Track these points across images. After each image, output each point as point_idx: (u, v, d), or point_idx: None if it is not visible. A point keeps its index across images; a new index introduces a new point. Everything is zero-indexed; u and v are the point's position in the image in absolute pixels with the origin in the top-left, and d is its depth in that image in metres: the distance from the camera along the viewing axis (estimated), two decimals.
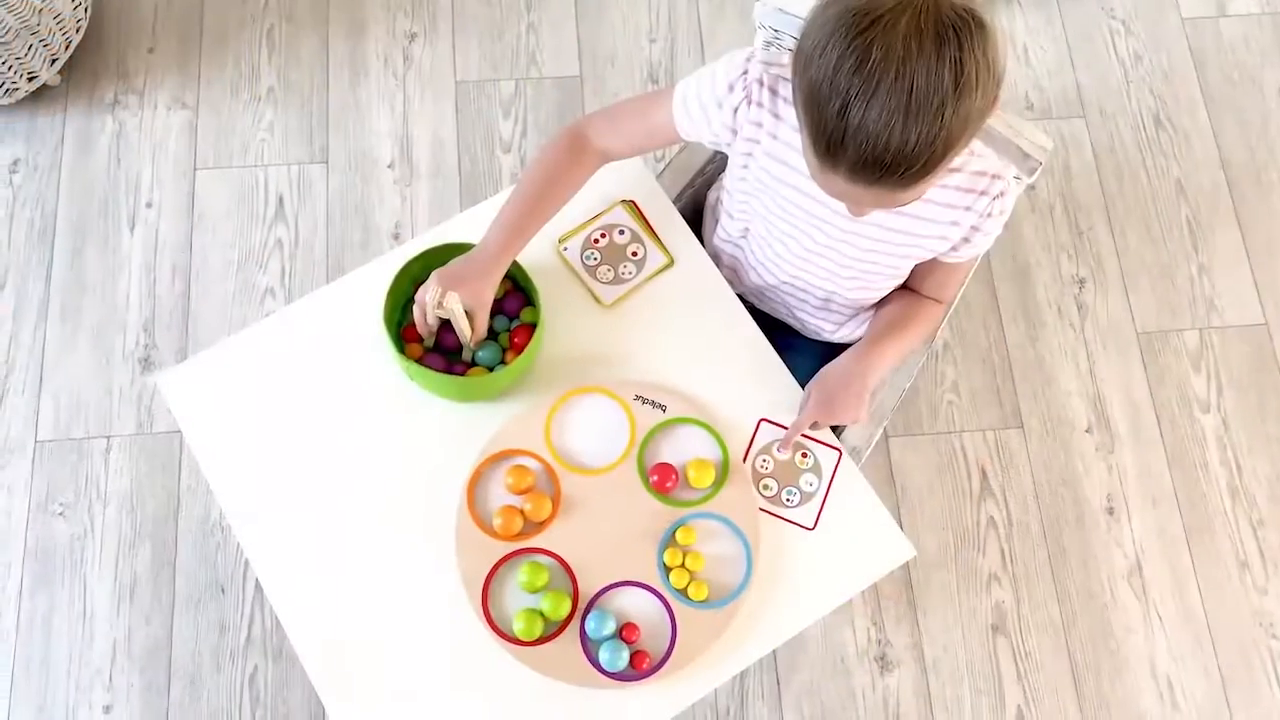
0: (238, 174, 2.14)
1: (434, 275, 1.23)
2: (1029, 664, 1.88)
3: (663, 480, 1.30)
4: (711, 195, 1.55)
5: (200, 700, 1.82)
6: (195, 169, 2.14)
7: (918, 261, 1.32)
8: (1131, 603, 1.92)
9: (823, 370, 1.35)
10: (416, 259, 1.34)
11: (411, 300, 1.39)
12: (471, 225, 1.43)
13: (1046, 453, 2.00)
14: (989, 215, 1.22)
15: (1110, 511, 1.97)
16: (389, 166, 2.15)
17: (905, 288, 1.40)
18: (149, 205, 2.11)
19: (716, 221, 1.49)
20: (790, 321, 1.54)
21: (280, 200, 2.11)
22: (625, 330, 1.40)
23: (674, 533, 1.29)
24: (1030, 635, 1.90)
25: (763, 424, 1.36)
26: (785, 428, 1.36)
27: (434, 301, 1.22)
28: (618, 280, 1.41)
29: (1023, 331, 2.08)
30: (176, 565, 1.88)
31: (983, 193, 1.20)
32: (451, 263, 1.25)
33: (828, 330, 1.51)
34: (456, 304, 1.22)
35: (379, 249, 2.06)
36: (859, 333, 1.52)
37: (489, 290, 1.24)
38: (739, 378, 1.39)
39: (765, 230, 1.37)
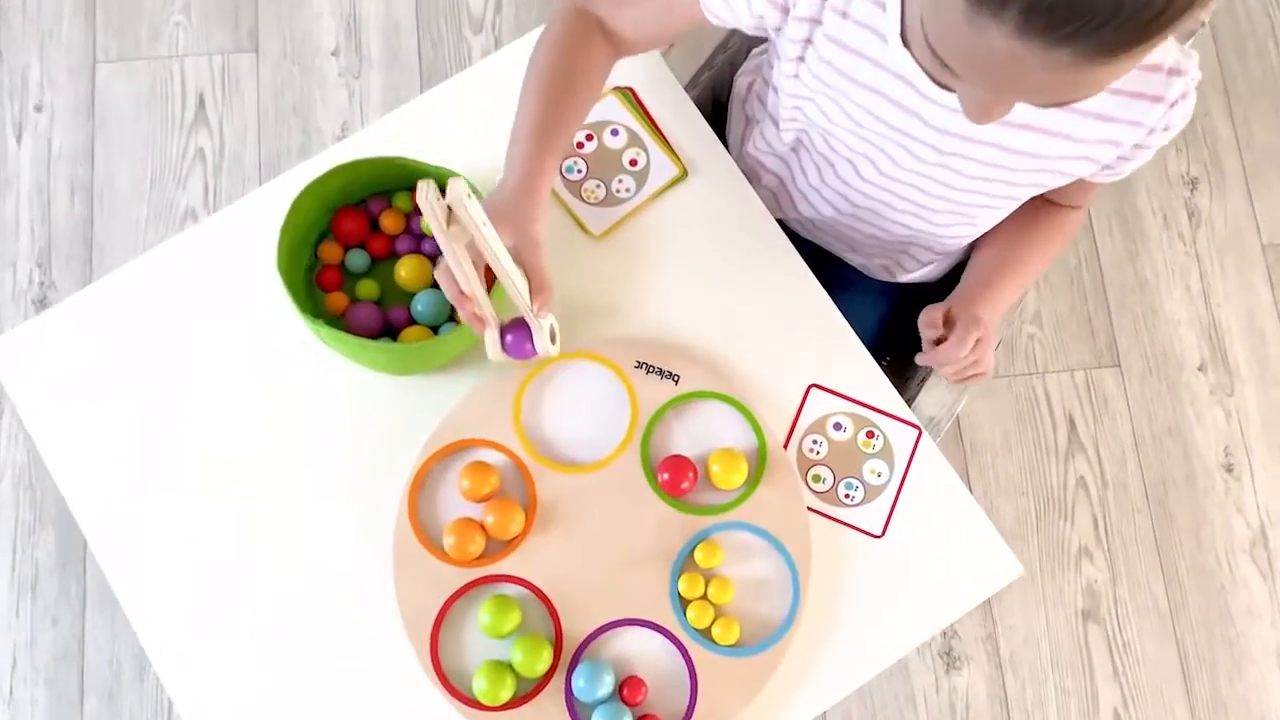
0: (147, 68, 1.78)
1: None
2: (1128, 657, 1.62)
3: (676, 479, 0.94)
4: (740, 83, 1.15)
5: (120, 717, 1.51)
6: (94, 63, 1.78)
7: (1049, 189, 0.94)
8: (1255, 581, 1.66)
9: (955, 303, 1.01)
10: (337, 172, 0.96)
11: (326, 235, 1.02)
12: (434, 113, 1.05)
13: (1149, 397, 1.72)
14: (1165, 129, 0.85)
15: (1229, 469, 1.69)
16: (333, 54, 1.78)
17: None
18: (38, 109, 1.76)
19: (752, 124, 1.10)
20: (849, 258, 1.16)
21: (201, 100, 1.79)
22: (622, 271, 1.03)
23: (692, 551, 0.94)
24: (1129, 622, 1.63)
25: (813, 392, 1.00)
26: (846, 397, 0.99)
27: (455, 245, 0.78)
28: (611, 200, 1.03)
29: (1120, 246, 1.77)
30: (88, 556, 1.56)
31: (1156, 98, 0.83)
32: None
33: (902, 274, 1.13)
34: (495, 239, 0.79)
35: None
36: (945, 268, 1.14)
37: (534, 221, 0.85)
38: (779, 333, 1.02)
39: (826, 147, 0.99)
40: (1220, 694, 1.60)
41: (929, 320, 0.97)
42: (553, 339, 0.88)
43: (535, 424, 0.98)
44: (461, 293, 0.83)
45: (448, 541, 0.93)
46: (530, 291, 0.85)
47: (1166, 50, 0.82)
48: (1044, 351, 1.73)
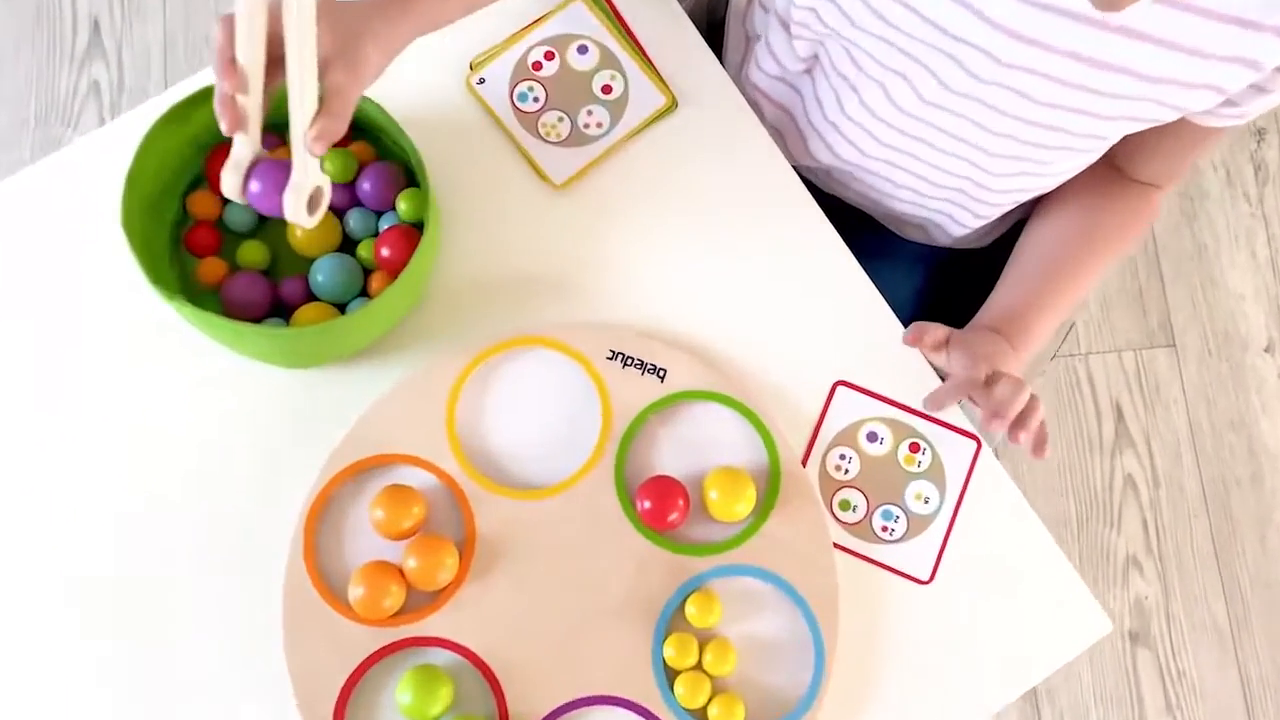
0: None
1: None
2: (1182, 686, 1.43)
3: (660, 508, 0.72)
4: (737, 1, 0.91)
5: None
6: None
7: (1147, 126, 0.71)
8: None
9: (960, 333, 0.77)
10: (199, 97, 0.72)
11: (200, 181, 0.77)
12: None
13: (1209, 382, 1.53)
14: None
15: None
16: None
17: (1096, 161, 0.78)
18: None
19: (753, 43, 0.85)
20: (880, 218, 0.92)
21: (95, 25, 1.51)
22: (591, 232, 0.79)
23: (682, 605, 0.72)
24: (1184, 646, 1.44)
25: (840, 390, 0.76)
26: (882, 398, 0.76)
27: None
28: (577, 139, 0.79)
29: (1174, 206, 1.57)
30: None
31: None
32: None
33: (944, 236, 0.89)
34: (309, 22, 0.59)
35: None
36: (1000, 230, 0.90)
37: (376, 39, 0.64)
38: (796, 314, 0.78)
39: (850, 64, 0.75)
40: None
41: (918, 335, 0.74)
42: (313, 205, 0.65)
43: (475, 433, 0.74)
44: (233, 60, 0.59)
45: (355, 593, 0.70)
46: (316, 115, 0.62)
47: None
48: (1087, 330, 1.54)
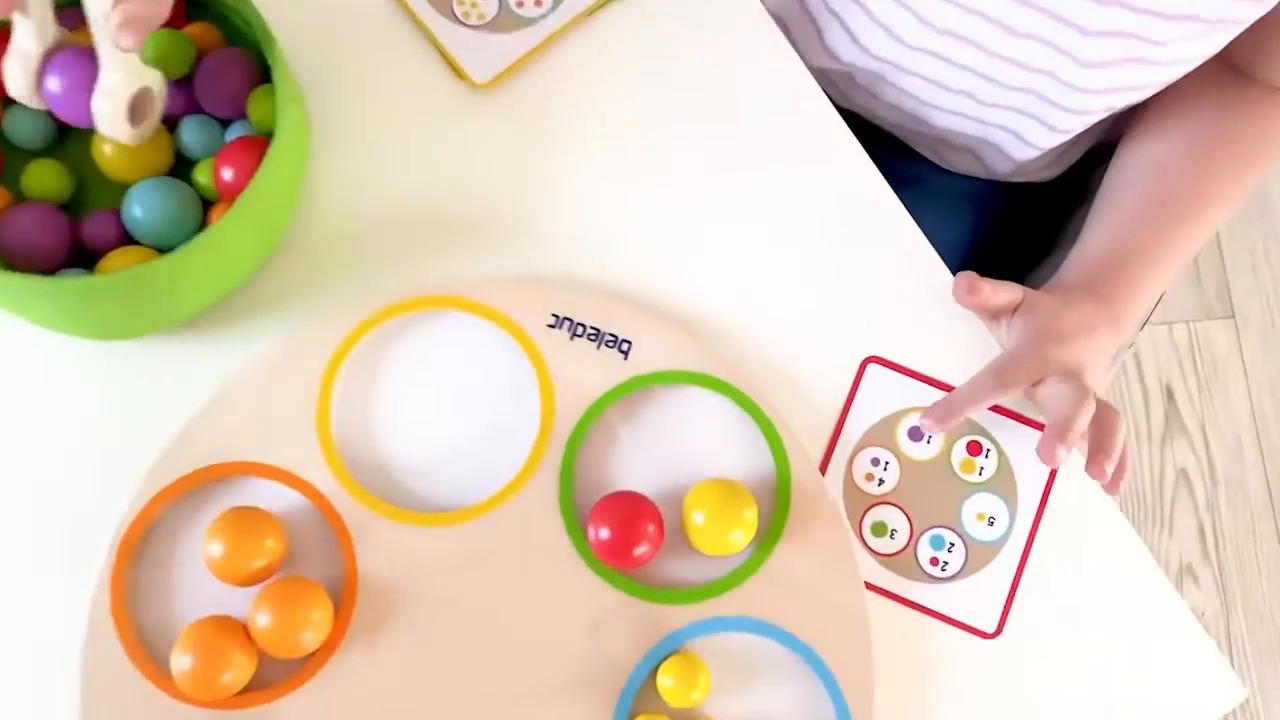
0: None
1: None
2: (1244, 718, 1.28)
3: (623, 538, 0.51)
4: None
5: None
6: None
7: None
8: None
9: (1034, 296, 0.57)
10: None
11: None
12: None
13: (1275, 359, 1.36)
14: None
15: None
16: None
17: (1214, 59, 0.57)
18: None
19: None
20: (916, 140, 0.71)
21: None
22: (526, 151, 0.58)
23: (653, 675, 0.51)
24: (1249, 671, 1.28)
25: (872, 369, 0.56)
26: (929, 380, 0.55)
27: None
28: (506, 22, 0.58)
29: None
30: None
31: None
32: None
33: (1003, 164, 0.68)
34: None
35: None
36: (1072, 158, 0.70)
37: None
38: (814, 265, 0.58)
39: None
40: None
41: (973, 287, 0.54)
42: (138, 112, 0.50)
43: (359, 434, 0.53)
44: None
45: (182, 662, 0.49)
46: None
47: None
48: None
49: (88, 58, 0.48)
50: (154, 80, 0.50)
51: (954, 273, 0.57)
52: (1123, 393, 1.33)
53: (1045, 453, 0.51)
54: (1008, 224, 0.73)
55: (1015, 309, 0.55)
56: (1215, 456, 1.32)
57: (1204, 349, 1.37)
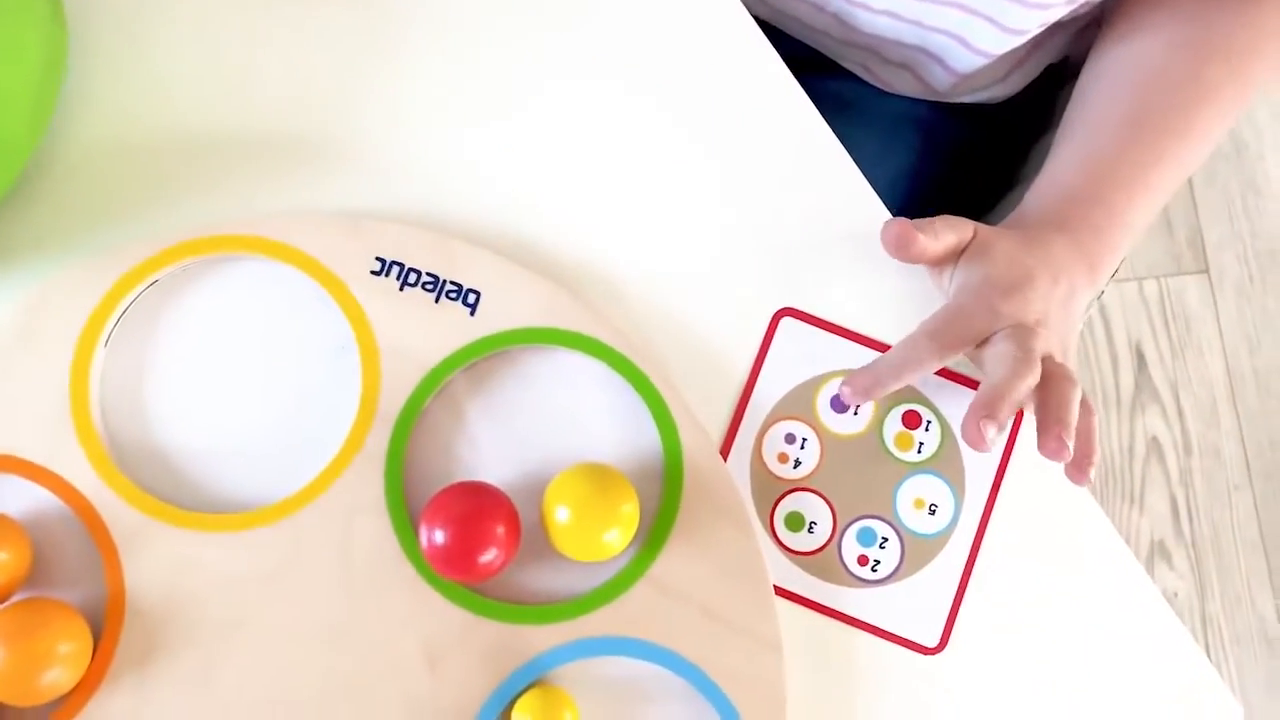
0: None
1: None
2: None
3: (466, 541, 0.40)
4: None
5: None
6: None
7: None
8: None
9: (988, 234, 0.46)
10: None
11: None
12: None
13: (1251, 317, 1.29)
14: None
15: None
16: None
17: None
18: None
19: None
20: (849, 55, 0.61)
21: None
22: (346, 45, 0.46)
23: (507, 712, 0.40)
24: (1224, 654, 1.22)
25: (786, 323, 0.45)
26: (857, 338, 0.45)
27: None
28: None
29: None
30: None
31: None
32: None
33: (944, 78, 0.57)
34: None
35: None
36: (1025, 78, 0.60)
37: None
38: (719, 195, 0.47)
39: None
40: None
41: (906, 237, 0.43)
42: None
43: (126, 415, 0.42)
44: None
45: None
46: None
47: None
48: None
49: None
50: None
51: (892, 213, 0.47)
52: (1088, 355, 1.25)
53: (968, 432, 0.40)
54: (959, 154, 0.63)
55: (963, 251, 0.45)
56: (1189, 423, 1.25)
57: (1176, 307, 1.30)
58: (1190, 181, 1.26)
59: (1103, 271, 0.49)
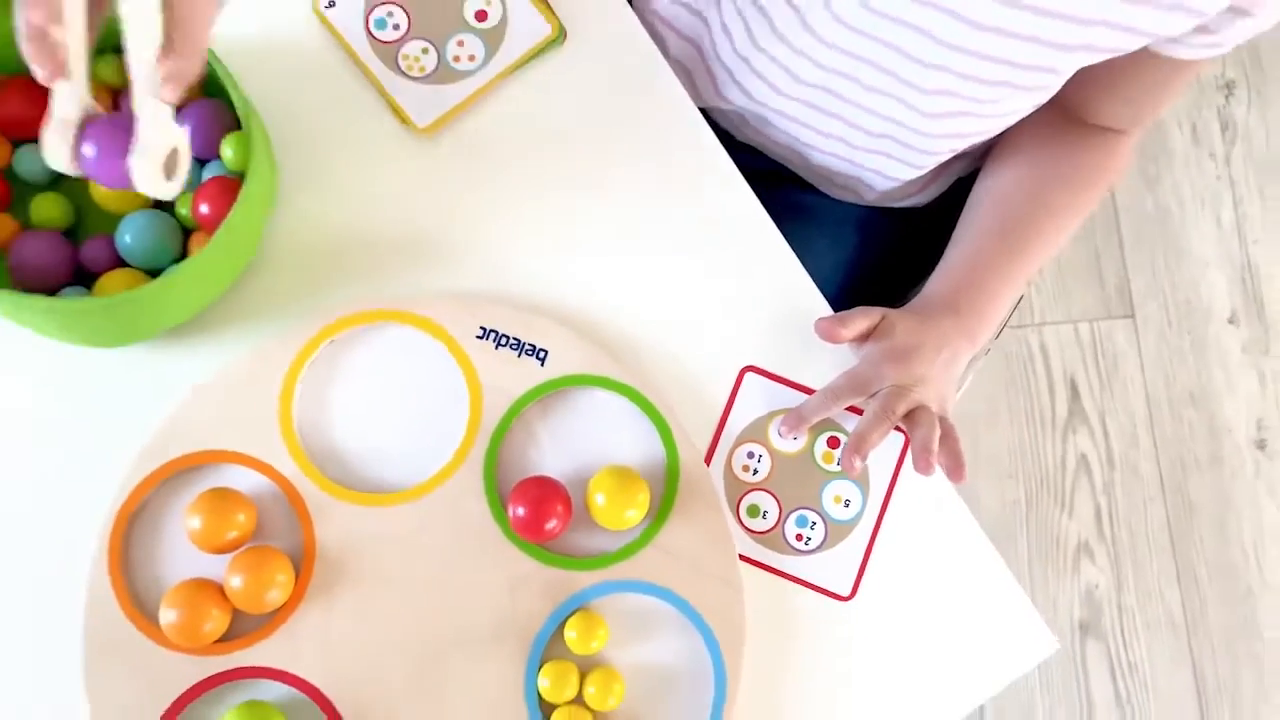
0: None
1: None
2: (1134, 681, 1.35)
3: (537, 515, 0.61)
4: None
5: None
6: None
7: (1107, 57, 0.60)
8: None
9: (894, 316, 0.66)
10: None
11: None
12: None
13: (1168, 356, 1.44)
14: None
15: (1261, 445, 1.42)
16: None
17: (1051, 103, 0.67)
18: None
19: None
20: (804, 173, 0.81)
21: None
22: (460, 186, 0.67)
23: (561, 628, 0.61)
24: (1136, 637, 1.37)
25: (749, 377, 0.65)
26: (797, 386, 0.65)
27: None
28: (445, 75, 0.67)
29: (1136, 167, 1.47)
30: None
31: None
32: None
33: (877, 189, 0.78)
34: None
35: None
36: (941, 188, 0.79)
37: None
38: (703, 285, 0.67)
39: None
40: None
41: (833, 328, 0.64)
42: (171, 170, 0.52)
43: (316, 427, 0.63)
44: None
45: (169, 616, 0.58)
46: (164, 49, 0.48)
47: None
48: (1041, 298, 1.44)
49: (116, 126, 0.51)
50: (181, 137, 0.53)
51: (836, 289, 0.67)
52: (1030, 385, 1.40)
53: (845, 462, 0.61)
54: (890, 246, 0.83)
55: (874, 330, 0.65)
56: (1113, 444, 1.40)
57: (1105, 346, 1.43)
58: (1121, 241, 1.43)
59: (980, 338, 0.69)
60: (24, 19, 0.46)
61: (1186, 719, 1.36)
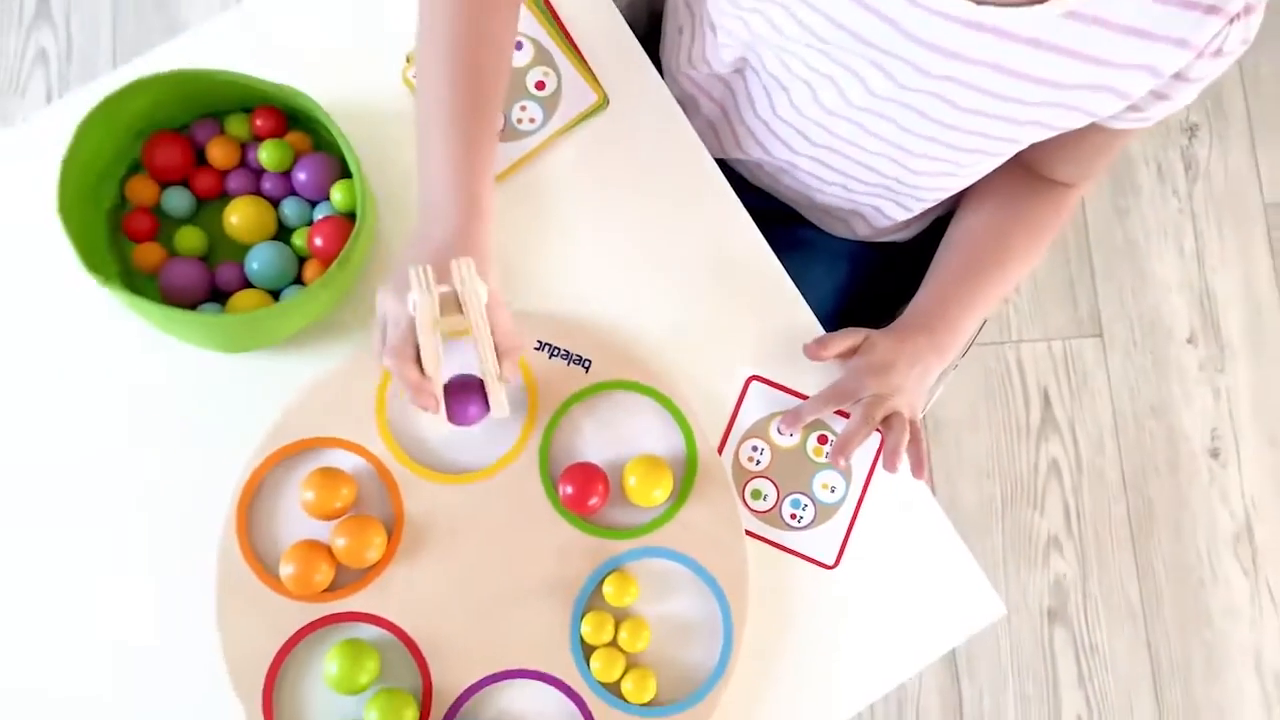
0: None
1: (386, 286, 0.70)
2: (1095, 661, 1.47)
3: (582, 493, 0.75)
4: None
5: None
6: None
7: (1057, 133, 0.74)
8: (1236, 578, 1.51)
9: (875, 336, 0.80)
10: (146, 85, 0.73)
11: (137, 167, 0.79)
12: (274, 16, 0.82)
13: (1133, 372, 1.55)
14: (1216, 53, 0.66)
15: (1215, 454, 1.53)
16: None
17: (1013, 160, 0.81)
18: None
19: (685, 35, 0.87)
20: (807, 212, 0.95)
21: None
22: (521, 224, 0.81)
23: (600, 585, 0.75)
24: (1099, 623, 1.48)
25: (754, 384, 0.80)
26: (793, 393, 0.79)
27: (424, 292, 0.66)
28: (510, 134, 0.82)
29: (1107, 201, 1.58)
30: None
31: (1211, 8, 0.64)
32: (403, 253, 0.72)
33: (868, 228, 0.92)
34: (471, 273, 0.66)
35: None
36: (921, 227, 0.93)
37: (488, 252, 0.72)
38: (717, 308, 0.81)
39: (780, 66, 0.77)
40: (1195, 699, 1.46)
41: (821, 348, 0.78)
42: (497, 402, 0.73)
43: (404, 419, 0.77)
44: (415, 359, 0.68)
45: (286, 570, 0.72)
46: (501, 359, 0.70)
47: None
48: (1019, 317, 1.55)
49: (465, 385, 0.72)
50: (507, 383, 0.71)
51: (829, 312, 0.81)
52: (1008, 396, 1.51)
53: (832, 459, 0.75)
54: (876, 276, 0.97)
55: (858, 348, 0.79)
56: (1081, 450, 1.50)
57: (1076, 362, 1.53)
58: (1093, 268, 1.54)
59: (949, 355, 0.83)
60: (409, 379, 0.67)
61: (1143, 696, 1.46)
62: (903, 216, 0.88)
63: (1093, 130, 0.74)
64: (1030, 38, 0.65)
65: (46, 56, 1.47)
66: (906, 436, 0.75)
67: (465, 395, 0.71)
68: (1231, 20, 0.63)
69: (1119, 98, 0.69)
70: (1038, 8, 0.63)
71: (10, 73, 1.46)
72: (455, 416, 0.71)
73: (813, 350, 0.77)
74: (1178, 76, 0.67)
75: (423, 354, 0.67)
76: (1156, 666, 1.47)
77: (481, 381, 0.71)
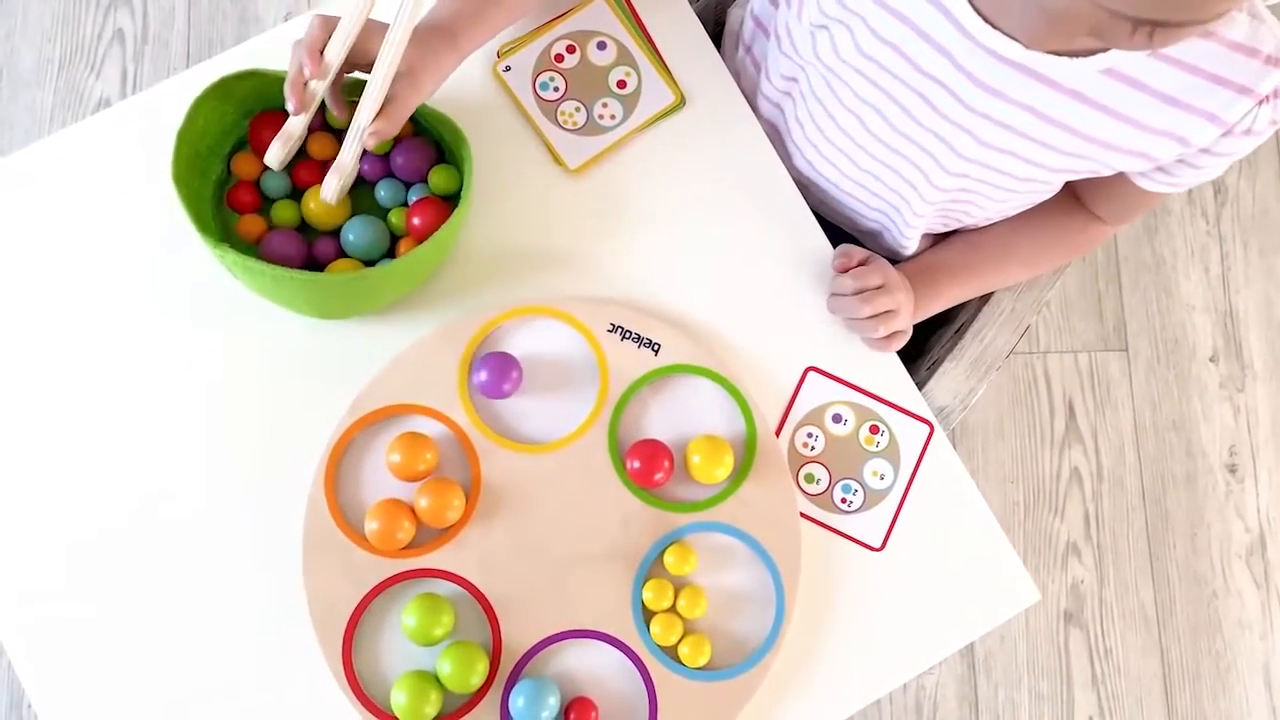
0: None
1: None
2: (1108, 664, 1.50)
3: (648, 468, 0.80)
4: (734, 16, 0.97)
5: None
6: None
7: (1085, 177, 0.79)
8: (1249, 590, 1.54)
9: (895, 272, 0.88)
10: (247, 74, 0.78)
11: (243, 144, 0.84)
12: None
13: (1155, 386, 1.59)
14: (1246, 132, 0.70)
15: (1232, 469, 1.57)
16: None
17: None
18: None
19: (746, 53, 0.92)
20: (853, 231, 1.00)
21: None
22: (599, 214, 0.86)
23: (662, 555, 0.80)
24: (1113, 627, 1.51)
25: (811, 375, 0.84)
26: (848, 384, 0.85)
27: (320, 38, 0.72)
28: (592, 128, 0.86)
29: (1138, 221, 1.61)
30: None
31: (1244, 89, 0.68)
32: None
33: (912, 248, 0.96)
34: (401, 44, 0.72)
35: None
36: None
37: (433, 68, 0.76)
38: (779, 302, 0.86)
39: (828, 91, 0.81)
40: (1203, 709, 1.49)
41: (842, 251, 0.85)
42: (345, 189, 0.77)
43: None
44: (320, 53, 0.72)
45: (370, 526, 0.77)
46: (377, 116, 0.73)
47: (1266, 34, 0.67)
48: (1047, 330, 1.58)
49: (501, 360, 0.79)
50: (355, 170, 0.76)
51: None
52: (1034, 405, 1.54)
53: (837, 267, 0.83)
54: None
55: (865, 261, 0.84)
56: (1103, 459, 1.53)
57: (1101, 374, 1.56)
58: (1121, 283, 1.57)
59: (921, 311, 0.87)
60: (299, 71, 0.71)
61: (1153, 699, 1.49)
62: (905, 242, 0.92)
63: (1125, 182, 0.79)
64: (1073, 89, 0.69)
65: (124, 37, 1.52)
66: (875, 275, 0.83)
67: (502, 370, 0.79)
68: (1261, 102, 0.67)
69: (1145, 160, 0.73)
70: (1079, 60, 0.67)
71: (87, 53, 1.51)
72: (487, 389, 0.80)
73: (840, 264, 0.84)
74: (1205, 151, 0.71)
75: (332, 39, 0.71)
76: (1168, 672, 1.50)
77: (517, 360, 0.79)
